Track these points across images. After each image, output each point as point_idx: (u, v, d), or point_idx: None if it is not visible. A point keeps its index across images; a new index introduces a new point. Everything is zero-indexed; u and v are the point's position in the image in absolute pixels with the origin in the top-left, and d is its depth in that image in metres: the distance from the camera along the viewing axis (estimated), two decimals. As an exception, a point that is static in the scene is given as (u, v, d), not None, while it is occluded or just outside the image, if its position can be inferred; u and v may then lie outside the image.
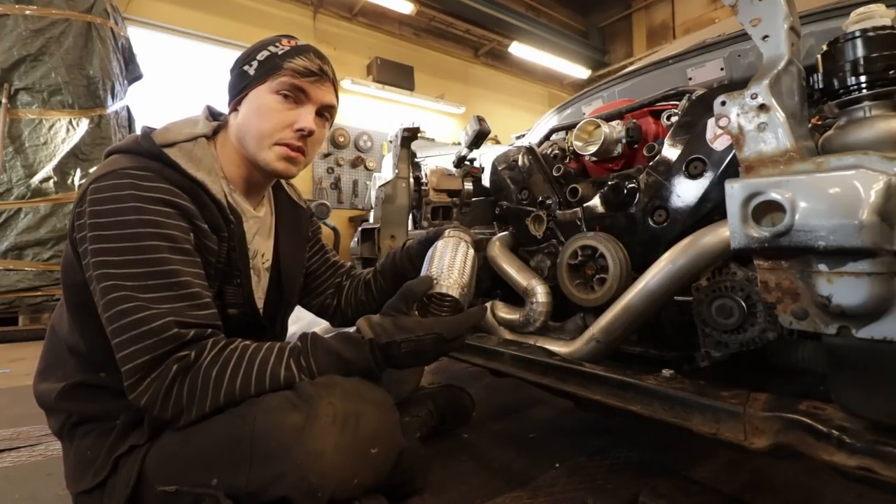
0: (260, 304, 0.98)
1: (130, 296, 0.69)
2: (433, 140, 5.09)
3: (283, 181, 1.07)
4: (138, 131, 0.86)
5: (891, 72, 0.63)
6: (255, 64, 0.86)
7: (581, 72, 8.40)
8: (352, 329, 0.84)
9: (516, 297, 1.29)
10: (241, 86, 0.88)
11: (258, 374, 0.73)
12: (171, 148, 0.82)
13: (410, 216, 1.58)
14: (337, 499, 0.70)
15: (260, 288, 0.98)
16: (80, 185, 0.82)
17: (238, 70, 0.89)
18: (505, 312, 1.28)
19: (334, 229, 5.10)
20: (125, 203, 0.72)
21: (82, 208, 0.75)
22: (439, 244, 0.96)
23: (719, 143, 0.90)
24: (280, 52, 0.86)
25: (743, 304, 0.79)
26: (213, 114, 0.96)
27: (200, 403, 0.70)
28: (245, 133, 0.87)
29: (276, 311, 1.03)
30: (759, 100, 0.63)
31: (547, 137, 1.41)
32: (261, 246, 0.98)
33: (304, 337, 0.80)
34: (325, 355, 0.78)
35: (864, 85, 0.65)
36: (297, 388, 0.76)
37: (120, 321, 0.68)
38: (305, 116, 0.87)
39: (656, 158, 1.01)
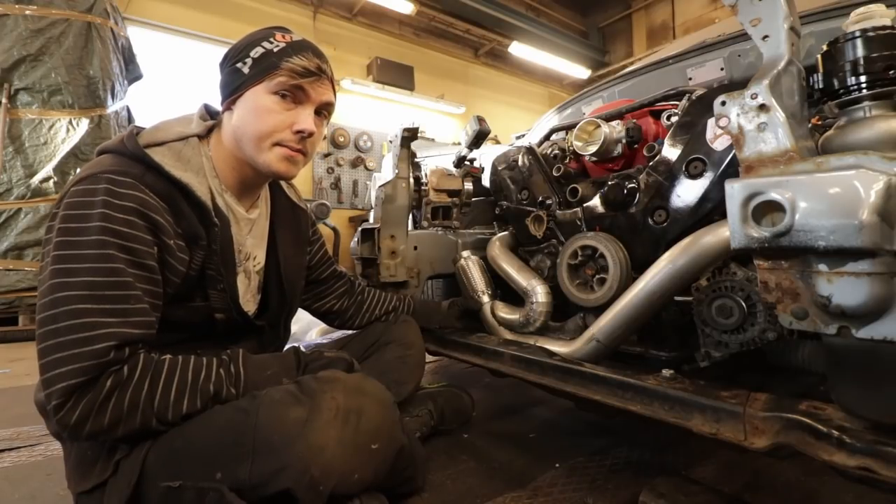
0: (250, 306, 0.96)
1: (78, 309, 0.66)
2: (433, 140, 5.09)
3: (282, 181, 1.06)
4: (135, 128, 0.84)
5: (891, 72, 0.63)
6: (249, 62, 0.82)
7: (581, 72, 8.39)
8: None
9: (516, 297, 1.29)
10: (234, 85, 0.84)
11: (191, 388, 0.73)
12: (159, 147, 0.79)
13: (410, 216, 1.58)
14: (337, 493, 0.71)
15: (249, 291, 0.96)
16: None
17: (230, 67, 0.84)
18: (505, 312, 1.28)
19: (334, 229, 5.09)
20: (94, 209, 0.70)
21: (57, 210, 0.73)
22: None
23: (719, 143, 0.90)
24: (276, 50, 0.82)
25: (743, 304, 0.79)
26: (209, 112, 0.94)
27: (131, 419, 0.68)
28: (242, 134, 0.84)
29: (278, 314, 1.02)
30: (759, 100, 0.63)
31: (547, 137, 1.41)
32: (253, 248, 0.96)
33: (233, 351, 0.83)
34: (252, 362, 0.82)
35: (864, 85, 0.65)
36: (299, 383, 0.77)
37: (63, 336, 0.65)
38: (305, 118, 0.85)
39: (656, 158, 1.01)
